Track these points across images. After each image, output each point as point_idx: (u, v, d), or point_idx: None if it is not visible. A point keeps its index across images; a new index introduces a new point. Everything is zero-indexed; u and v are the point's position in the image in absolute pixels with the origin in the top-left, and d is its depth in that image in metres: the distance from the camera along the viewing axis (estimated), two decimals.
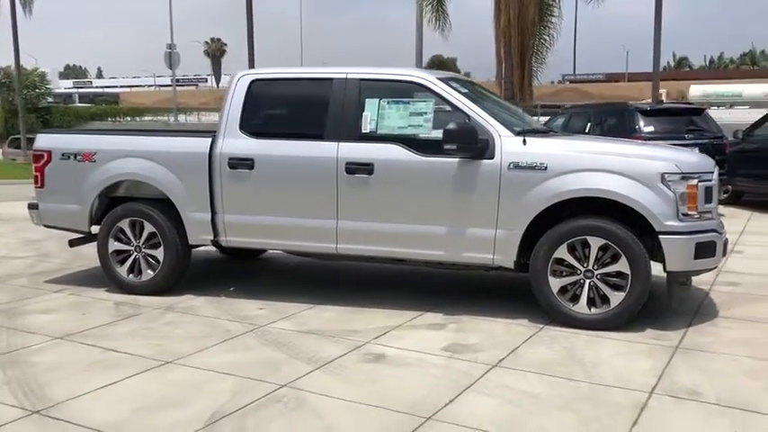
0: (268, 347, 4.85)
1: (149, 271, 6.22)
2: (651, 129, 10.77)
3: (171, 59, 41.03)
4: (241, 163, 5.82)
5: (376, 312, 5.64)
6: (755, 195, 11.88)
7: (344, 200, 5.59)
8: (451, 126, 5.19)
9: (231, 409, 3.79)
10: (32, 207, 6.69)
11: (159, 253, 6.16)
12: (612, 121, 11.57)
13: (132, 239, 6.25)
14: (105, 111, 50.54)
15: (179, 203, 6.05)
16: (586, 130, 11.77)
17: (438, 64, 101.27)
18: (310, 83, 6.03)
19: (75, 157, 6.34)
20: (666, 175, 5.01)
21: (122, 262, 6.31)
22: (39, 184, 6.54)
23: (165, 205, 6.18)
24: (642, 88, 57.18)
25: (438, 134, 5.35)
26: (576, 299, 5.20)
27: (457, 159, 5.32)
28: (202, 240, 6.14)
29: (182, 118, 47.82)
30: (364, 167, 5.51)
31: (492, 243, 5.31)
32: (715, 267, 5.43)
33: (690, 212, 5.04)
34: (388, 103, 5.58)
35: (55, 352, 4.78)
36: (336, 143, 5.61)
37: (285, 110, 6.14)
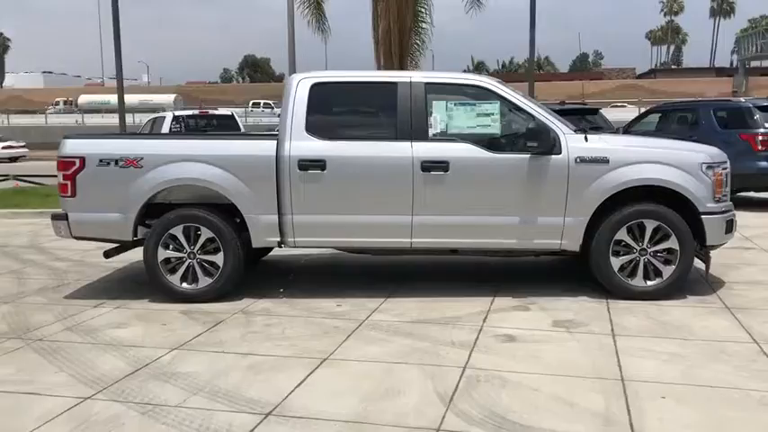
0: (398, 337, 5.10)
1: (206, 277, 6.10)
2: None
3: None
4: (312, 164, 5.94)
5: (450, 301, 6.04)
6: None
7: (420, 196, 5.93)
8: (533, 126, 5.77)
9: (450, 389, 4.07)
10: (59, 218, 6.23)
11: (218, 258, 6.06)
12: None
13: (186, 246, 6.08)
14: None
15: (243, 207, 6.01)
16: None
17: (252, 64, 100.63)
18: (373, 86, 6.27)
19: (117, 163, 6.03)
20: (704, 165, 5.97)
21: (172, 270, 6.12)
22: (69, 193, 6.12)
23: (221, 209, 6.10)
24: None
25: (506, 132, 5.92)
26: (632, 275, 5.99)
27: (527, 155, 5.89)
28: (268, 243, 6.15)
29: None
30: (440, 165, 5.90)
31: (561, 230, 5.95)
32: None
33: (718, 195, 6.04)
34: (455, 105, 6.01)
35: (194, 362, 4.67)
36: (409, 143, 5.94)
37: (351, 112, 6.34)
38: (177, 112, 13.92)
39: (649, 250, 5.96)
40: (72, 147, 6.18)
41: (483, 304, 5.93)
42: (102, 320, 5.66)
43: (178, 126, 13.27)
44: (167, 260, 6.11)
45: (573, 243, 5.99)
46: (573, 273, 6.92)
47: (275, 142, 6.03)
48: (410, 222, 5.98)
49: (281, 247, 6.23)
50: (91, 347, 5.01)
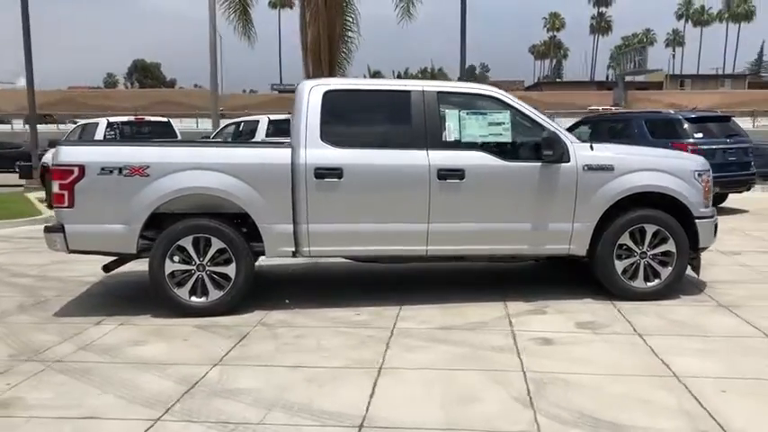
0: (437, 344, 5.12)
1: (216, 290, 5.88)
2: None
3: None
4: (329, 172, 5.87)
5: (464, 307, 6.11)
6: None
7: (436, 204, 5.99)
8: (547, 135, 5.96)
9: (524, 393, 4.15)
10: (52, 230, 5.82)
11: (230, 270, 5.86)
12: None
13: (195, 258, 5.84)
14: None
15: (257, 216, 5.85)
16: None
17: (141, 69, 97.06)
18: (386, 94, 6.27)
19: (121, 172, 5.71)
20: (696, 172, 6.38)
21: (179, 284, 5.86)
22: (66, 204, 5.73)
23: (232, 219, 5.92)
24: None
25: (517, 141, 6.10)
26: (633, 277, 6.30)
27: (539, 164, 6.08)
28: (282, 252, 6.00)
29: None
30: (456, 173, 5.98)
31: (569, 235, 6.17)
32: None
33: (706, 201, 6.46)
34: (467, 113, 6.12)
35: (245, 377, 4.50)
36: (425, 151, 5.98)
37: (364, 120, 6.29)
38: (111, 119, 13.24)
39: (649, 253, 6.29)
40: (69, 154, 5.78)
41: (499, 309, 6.05)
42: (113, 338, 5.34)
43: (113, 133, 12.63)
44: (174, 273, 5.84)
45: (580, 248, 6.23)
46: (560, 276, 7.21)
47: (289, 150, 5.90)
48: (426, 230, 6.02)
49: (294, 256, 6.10)
50: (122, 367, 4.72)
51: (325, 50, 18.22)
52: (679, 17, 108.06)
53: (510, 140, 6.13)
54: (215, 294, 5.88)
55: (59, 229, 5.78)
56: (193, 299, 5.87)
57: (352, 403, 4.05)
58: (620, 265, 6.26)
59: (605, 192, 6.15)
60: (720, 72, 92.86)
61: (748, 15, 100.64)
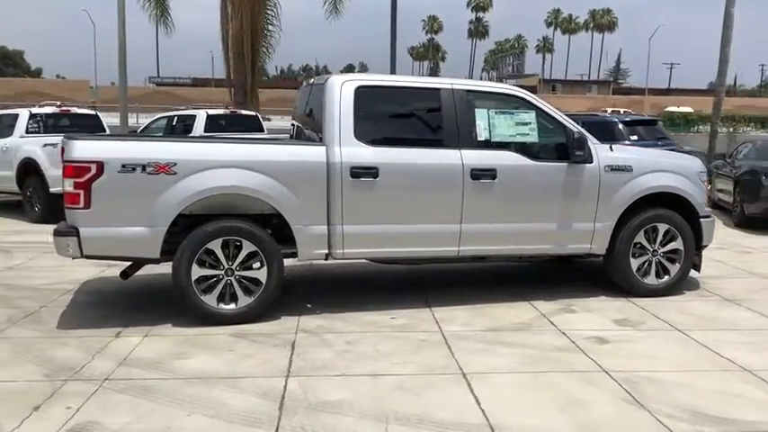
0: (498, 346, 5.07)
1: (246, 296, 5.52)
2: None
3: None
4: (365, 172, 5.65)
5: (494, 307, 6.10)
6: None
7: (469, 204, 5.92)
8: (579, 136, 6.03)
9: (623, 393, 4.18)
10: (64, 234, 5.24)
11: (261, 274, 5.52)
12: None
13: (223, 262, 5.45)
14: None
15: (290, 217, 5.54)
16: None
17: (2, 56, 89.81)
18: (417, 92, 6.12)
19: (144, 169, 5.23)
20: (700, 173, 6.70)
21: (205, 290, 5.45)
22: (81, 205, 5.16)
23: (262, 220, 5.59)
24: (226, 92, 59.96)
25: (543, 141, 6.15)
26: (645, 274, 6.52)
27: (565, 164, 6.16)
28: (315, 255, 5.72)
29: None
30: (488, 173, 5.94)
31: (591, 234, 6.29)
32: None
33: (706, 201, 6.80)
34: (496, 113, 6.09)
35: (329, 388, 4.24)
36: (458, 150, 5.90)
37: (396, 117, 6.10)
38: (34, 110, 12.07)
39: (660, 251, 6.53)
40: (85, 149, 5.22)
41: (527, 308, 6.08)
42: (148, 351, 4.88)
43: (36, 125, 11.54)
44: (199, 279, 5.42)
45: (600, 247, 6.36)
46: (559, 273, 7.37)
47: (324, 148, 5.63)
48: (459, 231, 5.93)
49: (326, 259, 5.82)
50: (183, 382, 4.31)
51: (248, 44, 17.74)
52: (549, 25, 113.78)
53: (537, 140, 6.16)
54: (244, 300, 5.51)
55: (73, 232, 5.20)
56: (222, 305, 5.47)
57: (463, 410, 3.93)
58: (635, 263, 6.45)
59: (625, 192, 6.32)
60: (586, 78, 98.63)
61: (611, 26, 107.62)
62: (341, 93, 5.74)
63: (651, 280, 6.51)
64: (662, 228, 6.48)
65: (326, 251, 5.72)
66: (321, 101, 5.83)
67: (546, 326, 5.59)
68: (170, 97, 69.10)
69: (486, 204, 5.99)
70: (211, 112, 13.38)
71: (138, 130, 14.12)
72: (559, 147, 6.19)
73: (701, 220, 6.63)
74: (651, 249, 6.49)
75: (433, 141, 5.97)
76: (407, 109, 6.14)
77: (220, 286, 5.46)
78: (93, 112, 12.64)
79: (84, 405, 3.95)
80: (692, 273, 6.81)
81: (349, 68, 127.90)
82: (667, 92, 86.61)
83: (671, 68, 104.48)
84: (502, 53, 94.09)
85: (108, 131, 12.46)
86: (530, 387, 4.30)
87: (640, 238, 6.44)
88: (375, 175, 5.67)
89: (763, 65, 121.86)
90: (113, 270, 7.08)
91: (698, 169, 6.76)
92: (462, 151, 5.90)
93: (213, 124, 12.96)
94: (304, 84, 7.21)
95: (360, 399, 4.07)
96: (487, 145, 6.02)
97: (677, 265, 6.56)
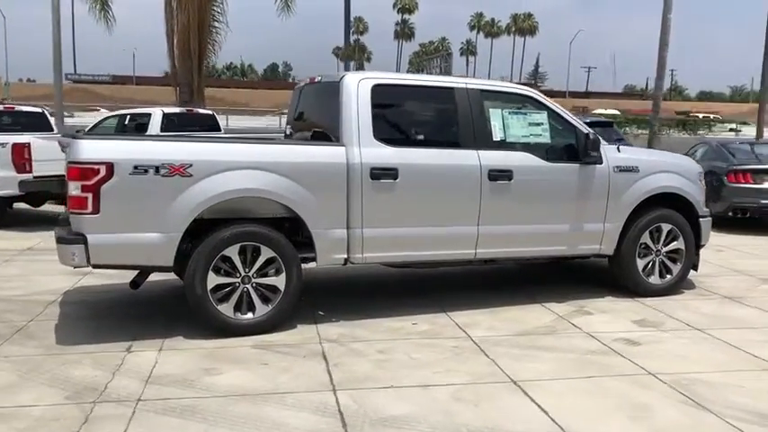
0: (536, 351, 4.97)
1: (263, 305, 5.23)
2: None
3: None
4: (385, 173, 5.45)
5: (509, 310, 6.01)
6: None
7: (486, 205, 5.80)
8: (593, 137, 6.00)
9: (681, 397, 4.15)
10: (68, 242, 4.81)
11: (279, 281, 5.24)
12: None
13: (240, 269, 5.15)
14: None
15: (310, 221, 5.28)
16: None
17: None
18: (431, 91, 5.95)
19: (158, 171, 4.86)
20: (700, 174, 6.81)
21: (221, 299, 5.14)
22: (89, 210, 4.75)
23: (279, 224, 5.31)
24: (151, 91, 58.14)
25: (555, 142, 6.11)
26: (650, 274, 6.57)
27: (577, 165, 6.13)
28: (335, 260, 5.47)
29: None
30: (505, 174, 5.84)
31: (601, 235, 6.29)
32: None
33: (704, 201, 6.92)
34: (509, 113, 6.00)
35: (385, 402, 4.03)
36: (476, 151, 5.78)
37: (412, 117, 5.92)
38: None
39: (663, 251, 6.59)
40: (93, 150, 4.80)
41: (542, 310, 6.02)
42: (171, 367, 4.53)
43: None
44: (215, 287, 5.10)
45: (609, 247, 6.36)
46: (557, 274, 7.36)
47: (343, 148, 5.40)
48: (476, 233, 5.81)
49: (345, 264, 5.58)
50: (225, 401, 4.01)
51: (195, 39, 17.16)
52: (472, 28, 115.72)
53: (549, 141, 6.11)
54: (262, 309, 5.22)
55: (79, 239, 4.78)
56: (238, 315, 5.16)
57: (531, 419, 3.81)
58: (640, 263, 6.49)
59: (632, 192, 6.34)
60: (508, 80, 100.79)
61: (532, 30, 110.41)
62: (358, 91, 5.51)
63: (655, 280, 6.57)
64: (665, 228, 6.55)
65: (345, 256, 5.48)
66: (335, 100, 5.58)
67: (569, 328, 5.53)
68: (88, 95, 66.48)
69: (502, 206, 5.88)
70: (167, 110, 12.81)
71: (86, 130, 13.35)
72: (571, 147, 6.15)
73: (701, 219, 6.74)
74: (655, 249, 6.55)
75: (450, 142, 5.83)
76: (423, 108, 5.98)
77: (237, 295, 5.15)
78: (39, 110, 11.88)
79: (128, 430, 3.60)
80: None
81: (273, 67, 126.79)
82: (586, 95, 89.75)
83: (588, 72, 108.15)
84: (427, 55, 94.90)
85: (56, 131, 11.75)
86: (588, 393, 4.21)
87: (646, 238, 6.48)
88: (395, 177, 5.48)
89: (673, 70, 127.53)
90: (89, 279, 6.69)
91: (697, 170, 6.88)
92: (479, 152, 5.78)
93: (169, 123, 12.40)
94: (298, 84, 6.96)
95: (423, 412, 3.88)
96: (502, 145, 5.92)
97: (678, 265, 6.64)
